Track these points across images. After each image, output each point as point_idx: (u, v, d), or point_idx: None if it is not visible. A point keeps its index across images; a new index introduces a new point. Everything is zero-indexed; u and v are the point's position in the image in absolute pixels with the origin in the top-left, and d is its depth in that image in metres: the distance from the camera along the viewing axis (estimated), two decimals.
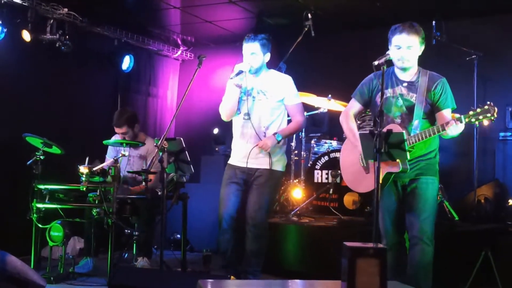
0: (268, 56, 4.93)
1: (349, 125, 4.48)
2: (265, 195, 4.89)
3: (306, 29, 6.38)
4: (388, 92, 4.26)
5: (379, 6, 6.70)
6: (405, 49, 4.13)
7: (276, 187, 5.07)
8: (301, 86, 6.74)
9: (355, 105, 4.50)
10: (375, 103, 4.33)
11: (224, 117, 5.05)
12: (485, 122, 3.98)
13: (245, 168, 4.89)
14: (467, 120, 3.88)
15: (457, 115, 3.94)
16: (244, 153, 4.89)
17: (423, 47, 4.22)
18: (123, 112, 6.18)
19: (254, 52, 4.83)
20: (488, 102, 3.82)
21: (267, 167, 4.87)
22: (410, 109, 4.16)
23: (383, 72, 4.01)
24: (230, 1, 6.85)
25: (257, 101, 4.89)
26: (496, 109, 3.80)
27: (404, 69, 4.22)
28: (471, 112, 3.85)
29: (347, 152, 4.59)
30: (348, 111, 4.53)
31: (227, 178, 4.99)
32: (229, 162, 5.06)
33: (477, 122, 3.91)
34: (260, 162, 4.88)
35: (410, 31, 4.12)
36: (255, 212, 4.87)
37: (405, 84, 4.22)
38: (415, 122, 4.10)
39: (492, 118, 3.81)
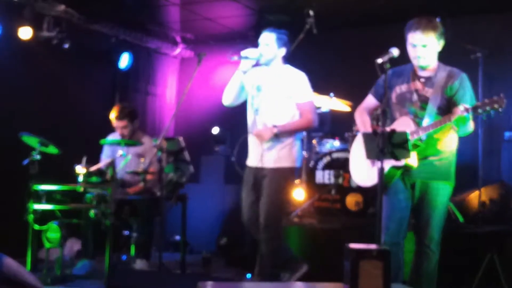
0: (283, 51, 4.86)
1: (362, 119, 4.41)
2: (271, 197, 4.76)
3: (308, 26, 6.34)
4: (404, 88, 4.20)
5: (382, 4, 6.65)
6: (420, 47, 4.03)
7: (282, 186, 4.84)
8: None
9: (371, 101, 4.44)
10: (390, 99, 4.26)
11: (225, 100, 4.95)
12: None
13: (259, 169, 4.80)
14: (474, 110, 3.75)
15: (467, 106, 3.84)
16: (256, 152, 4.80)
17: (442, 42, 4.11)
18: (124, 106, 6.18)
19: (268, 43, 4.77)
20: (501, 95, 3.72)
21: (272, 165, 4.77)
22: (424, 104, 4.09)
23: (386, 70, 3.95)
24: None
25: (266, 95, 4.80)
26: (505, 100, 3.70)
27: (421, 67, 4.14)
28: (478, 103, 3.76)
29: (357, 145, 4.48)
30: (363, 106, 4.48)
31: (245, 179, 4.89)
32: (246, 162, 4.95)
33: (484, 114, 3.78)
34: (266, 160, 4.78)
35: (425, 28, 4.00)
36: (265, 215, 4.75)
37: (422, 80, 4.15)
38: (426, 118, 4.02)
39: (500, 109, 3.70)
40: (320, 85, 6.87)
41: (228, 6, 7.08)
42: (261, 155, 4.75)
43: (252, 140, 4.84)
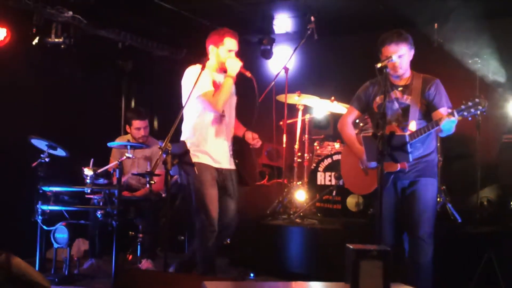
0: None
1: (347, 132, 4.64)
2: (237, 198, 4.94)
3: (309, 31, 6.40)
4: None
5: (382, 9, 6.71)
6: (396, 58, 4.22)
7: None
8: (304, 88, 6.79)
9: (353, 112, 4.65)
10: (372, 109, 4.46)
11: (221, 107, 4.69)
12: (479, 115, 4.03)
13: (224, 170, 4.82)
14: (459, 114, 3.93)
15: (449, 110, 4.01)
16: (222, 153, 4.81)
17: (413, 51, 4.34)
18: (140, 107, 6.26)
19: (238, 50, 4.84)
20: (481, 96, 3.89)
21: (234, 166, 4.91)
22: (406, 111, 4.28)
23: (386, 74, 4.09)
24: (233, 4, 6.85)
25: (230, 98, 4.86)
26: (487, 102, 3.87)
27: (398, 76, 4.31)
28: (462, 106, 3.91)
29: (346, 156, 4.73)
30: (346, 118, 4.66)
31: (211, 178, 4.74)
32: (203, 162, 4.75)
33: (469, 116, 3.94)
34: (231, 162, 4.89)
35: (398, 40, 4.24)
36: (236, 217, 4.95)
37: (400, 89, 4.34)
38: (411, 123, 4.19)
39: (483, 110, 3.88)
40: (321, 89, 6.96)
41: (232, 12, 7.12)
42: (230, 156, 4.86)
43: (220, 142, 4.80)
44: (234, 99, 4.94)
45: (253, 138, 4.84)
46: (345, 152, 4.84)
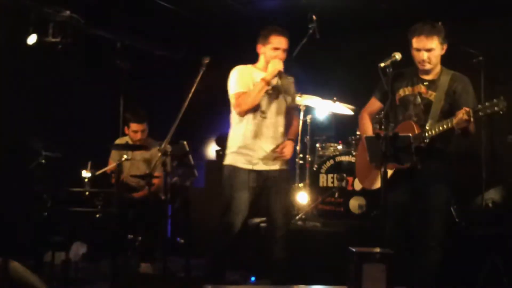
0: None
1: (364, 124, 4.49)
2: (288, 197, 4.83)
3: (310, 31, 6.35)
4: (407, 90, 4.24)
5: (384, 8, 6.66)
6: (425, 51, 4.10)
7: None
8: (306, 88, 6.73)
9: (374, 104, 4.50)
10: (394, 102, 4.28)
11: (246, 112, 4.60)
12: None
13: (263, 171, 4.66)
14: (475, 113, 3.81)
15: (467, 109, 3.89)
16: (260, 155, 4.66)
17: (445, 46, 4.18)
18: (139, 109, 6.19)
19: (287, 48, 4.69)
20: (501, 97, 3.78)
21: (284, 166, 4.74)
22: (428, 107, 4.13)
23: (389, 74, 3.99)
24: (233, 3, 6.82)
25: (278, 99, 4.73)
26: (505, 103, 3.76)
27: (425, 71, 4.18)
28: (479, 106, 3.81)
29: (361, 150, 4.55)
30: (366, 110, 4.54)
31: (242, 182, 4.62)
32: (235, 165, 4.66)
33: (485, 117, 3.85)
34: (275, 163, 4.70)
35: (429, 33, 4.08)
36: (285, 218, 4.76)
37: (425, 83, 4.20)
38: (430, 121, 4.06)
39: (500, 111, 3.77)
40: (322, 89, 6.91)
41: (232, 11, 7.09)
42: (273, 158, 4.69)
43: (260, 143, 4.66)
44: (284, 101, 4.77)
45: (280, 148, 4.67)
46: (360, 146, 4.67)
